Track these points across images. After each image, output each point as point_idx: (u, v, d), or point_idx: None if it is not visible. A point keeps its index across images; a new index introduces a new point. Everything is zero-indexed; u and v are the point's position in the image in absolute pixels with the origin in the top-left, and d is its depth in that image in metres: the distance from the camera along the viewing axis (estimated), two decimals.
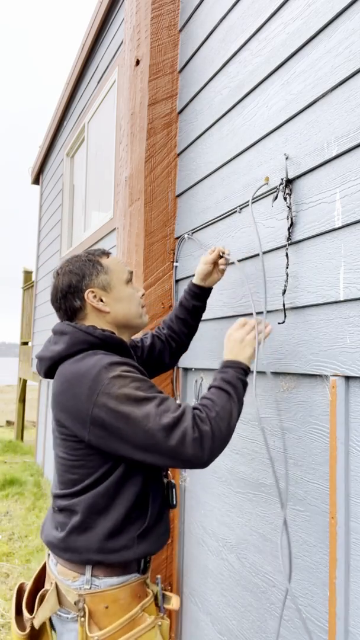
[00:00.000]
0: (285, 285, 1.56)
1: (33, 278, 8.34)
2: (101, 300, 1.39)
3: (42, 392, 7.18)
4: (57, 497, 1.34)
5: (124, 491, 1.27)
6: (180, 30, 2.51)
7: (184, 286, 2.36)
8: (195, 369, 2.26)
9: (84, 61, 4.80)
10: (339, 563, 1.33)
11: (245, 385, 1.36)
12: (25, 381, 9.21)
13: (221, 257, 1.72)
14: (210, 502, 2.10)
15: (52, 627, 1.36)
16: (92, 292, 1.38)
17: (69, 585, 1.28)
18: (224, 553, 1.98)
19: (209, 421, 1.21)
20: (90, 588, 1.26)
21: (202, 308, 1.81)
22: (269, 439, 1.69)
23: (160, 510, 1.36)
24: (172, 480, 1.43)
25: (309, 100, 1.51)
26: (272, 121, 1.70)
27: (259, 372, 1.72)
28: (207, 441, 1.19)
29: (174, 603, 1.37)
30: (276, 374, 1.67)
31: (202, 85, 2.23)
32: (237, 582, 1.86)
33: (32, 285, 8.14)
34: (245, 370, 1.37)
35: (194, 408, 1.25)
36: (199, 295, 1.77)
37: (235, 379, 1.34)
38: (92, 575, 1.26)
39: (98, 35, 4.36)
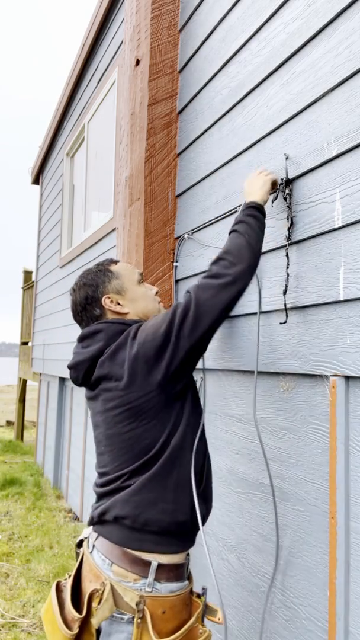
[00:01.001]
0: (286, 285, 1.56)
1: (33, 278, 8.34)
2: (118, 304, 1.47)
3: (42, 392, 7.18)
4: (121, 476, 1.34)
5: (184, 453, 1.34)
6: (180, 30, 2.51)
7: (184, 286, 2.36)
8: (196, 369, 2.26)
9: (84, 61, 4.81)
10: (339, 563, 1.33)
11: (255, 217, 1.46)
12: (25, 381, 9.21)
13: None
14: None
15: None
16: (109, 297, 1.47)
17: (128, 586, 1.27)
18: (224, 553, 1.98)
19: (216, 258, 1.38)
20: (152, 591, 1.27)
21: None
22: (270, 439, 1.69)
23: (209, 473, 1.46)
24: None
25: (309, 100, 1.51)
26: (272, 121, 1.70)
27: (259, 372, 1.72)
28: (217, 270, 1.34)
29: (219, 617, 1.37)
30: (276, 374, 1.67)
31: (202, 85, 2.23)
32: (237, 582, 1.86)
33: (32, 285, 8.14)
34: (254, 207, 1.48)
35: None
36: None
37: (243, 216, 1.47)
38: (154, 579, 1.27)
39: (98, 35, 4.36)
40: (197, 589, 1.45)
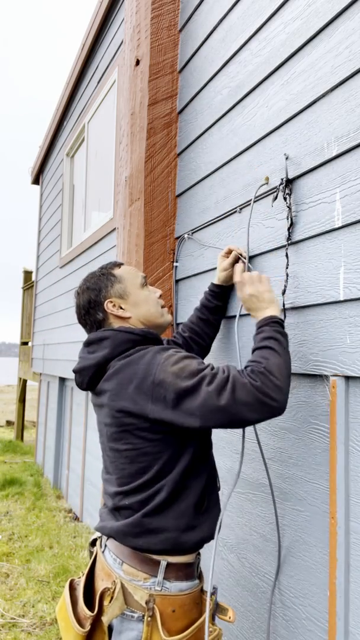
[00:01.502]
0: (285, 285, 1.56)
1: (33, 278, 8.34)
2: (121, 308, 1.47)
3: (42, 392, 7.18)
4: (119, 493, 1.35)
5: (190, 474, 1.33)
6: (180, 30, 2.51)
7: (184, 286, 2.36)
8: None
9: (84, 61, 4.81)
10: (339, 563, 1.33)
11: (285, 335, 1.38)
12: (25, 381, 9.21)
13: (237, 260, 1.77)
14: None
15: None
16: (111, 301, 1.47)
17: (138, 585, 1.29)
18: (224, 553, 1.98)
19: (259, 371, 1.25)
20: (161, 590, 1.28)
21: (224, 307, 1.89)
22: (270, 439, 1.69)
23: (213, 491, 1.42)
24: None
25: (309, 100, 1.51)
26: (272, 121, 1.70)
27: None
28: (262, 384, 1.22)
29: (230, 615, 1.37)
30: None
31: (202, 85, 2.23)
32: (237, 582, 1.86)
33: (32, 285, 8.14)
34: (279, 322, 1.40)
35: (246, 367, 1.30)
36: (221, 294, 1.86)
37: (273, 332, 1.36)
38: (164, 578, 1.29)
39: (98, 35, 4.36)
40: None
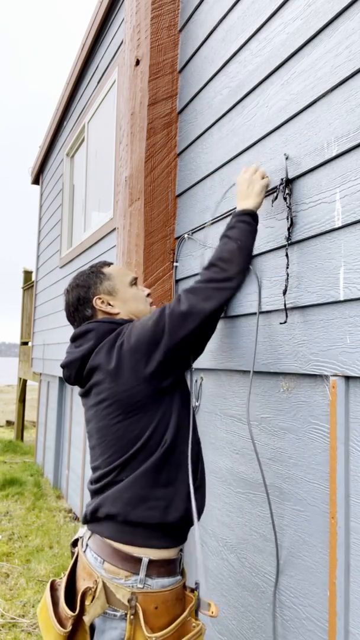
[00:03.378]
0: (286, 285, 1.56)
1: (33, 278, 8.34)
2: (109, 304, 1.51)
3: (42, 392, 7.18)
4: (111, 470, 1.36)
5: (175, 449, 1.36)
6: (180, 30, 2.51)
7: (184, 286, 2.36)
8: (195, 369, 2.26)
9: (84, 61, 4.81)
10: (339, 563, 1.33)
11: (248, 222, 1.52)
12: (25, 381, 9.21)
13: None
14: (210, 502, 2.10)
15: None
16: (100, 298, 1.51)
17: (120, 583, 1.29)
18: (224, 553, 1.98)
19: (210, 264, 1.43)
20: (143, 587, 1.28)
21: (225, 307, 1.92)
22: (270, 439, 1.69)
23: (202, 468, 1.46)
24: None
25: (309, 100, 1.51)
26: (272, 121, 1.70)
27: (259, 372, 1.73)
28: (210, 276, 1.40)
29: (213, 610, 1.37)
30: (276, 374, 1.67)
31: (202, 85, 2.23)
32: (237, 582, 1.86)
33: (32, 285, 8.14)
34: (248, 213, 1.54)
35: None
36: None
37: (235, 222, 1.52)
38: (146, 575, 1.29)
39: (98, 35, 4.36)
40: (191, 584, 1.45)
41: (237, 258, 1.43)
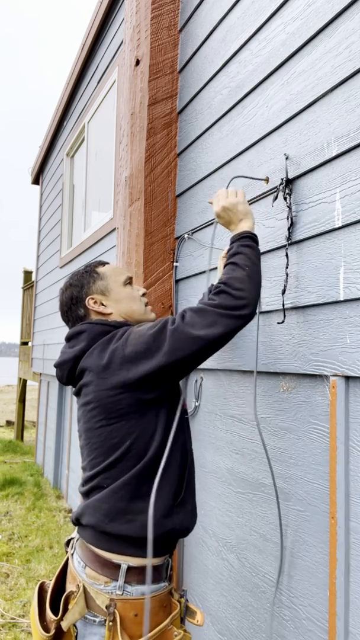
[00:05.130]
0: (285, 285, 1.56)
1: (33, 278, 8.34)
2: (102, 304, 1.48)
3: (42, 392, 7.18)
4: (94, 475, 1.34)
5: (157, 463, 1.29)
6: (180, 30, 2.51)
7: (184, 286, 2.36)
8: (195, 369, 2.26)
9: (84, 61, 4.80)
10: (339, 563, 1.33)
11: (253, 247, 1.41)
12: (25, 381, 9.21)
13: None
14: (210, 502, 2.09)
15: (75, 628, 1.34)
16: (92, 298, 1.48)
17: (100, 589, 1.26)
18: (224, 553, 1.98)
19: (220, 290, 1.30)
20: (122, 594, 1.25)
21: None
22: (270, 439, 1.69)
23: (190, 483, 1.40)
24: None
25: (309, 100, 1.51)
26: (272, 121, 1.70)
27: (259, 372, 1.72)
28: (220, 301, 1.27)
29: (199, 619, 1.35)
30: (276, 374, 1.67)
31: (202, 85, 2.23)
32: (237, 582, 1.86)
33: (32, 285, 8.14)
34: (249, 236, 1.42)
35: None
36: None
37: (239, 247, 1.40)
38: (125, 582, 1.26)
39: (98, 35, 4.36)
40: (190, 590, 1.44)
41: (247, 285, 1.30)
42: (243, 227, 1.45)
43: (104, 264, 1.57)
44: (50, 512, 4.88)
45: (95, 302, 1.47)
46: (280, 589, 1.61)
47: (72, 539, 1.47)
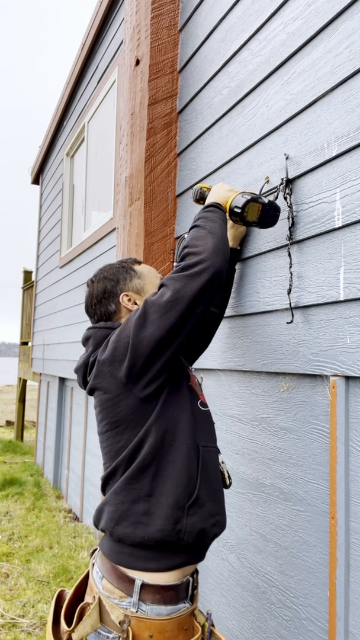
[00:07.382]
0: (291, 285, 1.56)
1: (33, 278, 8.34)
2: (135, 304, 1.43)
3: (42, 392, 7.18)
4: (105, 479, 1.31)
5: (162, 460, 1.25)
6: (180, 30, 2.51)
7: None
8: (195, 369, 2.26)
9: (84, 61, 4.81)
10: (339, 563, 1.33)
11: (213, 210, 1.47)
12: (25, 381, 9.21)
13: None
14: None
15: None
16: (127, 295, 1.43)
17: (115, 603, 1.20)
18: (224, 553, 1.98)
19: (183, 254, 1.32)
20: (137, 612, 1.18)
21: (233, 270, 1.84)
22: (270, 439, 1.69)
23: (209, 482, 1.31)
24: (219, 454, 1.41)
25: (309, 100, 1.51)
26: (272, 121, 1.70)
27: (259, 372, 1.72)
28: (184, 264, 1.28)
29: None
30: (276, 374, 1.67)
31: (202, 85, 2.23)
32: (237, 582, 1.86)
33: (32, 285, 8.14)
34: (213, 205, 1.50)
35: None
36: (230, 259, 1.79)
37: (201, 213, 1.47)
38: (139, 599, 1.18)
39: (98, 35, 4.36)
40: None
41: (208, 240, 1.31)
42: (212, 199, 1.54)
43: (139, 262, 1.53)
44: (50, 512, 4.88)
45: (129, 300, 1.43)
46: (281, 589, 1.61)
47: (96, 549, 1.40)
